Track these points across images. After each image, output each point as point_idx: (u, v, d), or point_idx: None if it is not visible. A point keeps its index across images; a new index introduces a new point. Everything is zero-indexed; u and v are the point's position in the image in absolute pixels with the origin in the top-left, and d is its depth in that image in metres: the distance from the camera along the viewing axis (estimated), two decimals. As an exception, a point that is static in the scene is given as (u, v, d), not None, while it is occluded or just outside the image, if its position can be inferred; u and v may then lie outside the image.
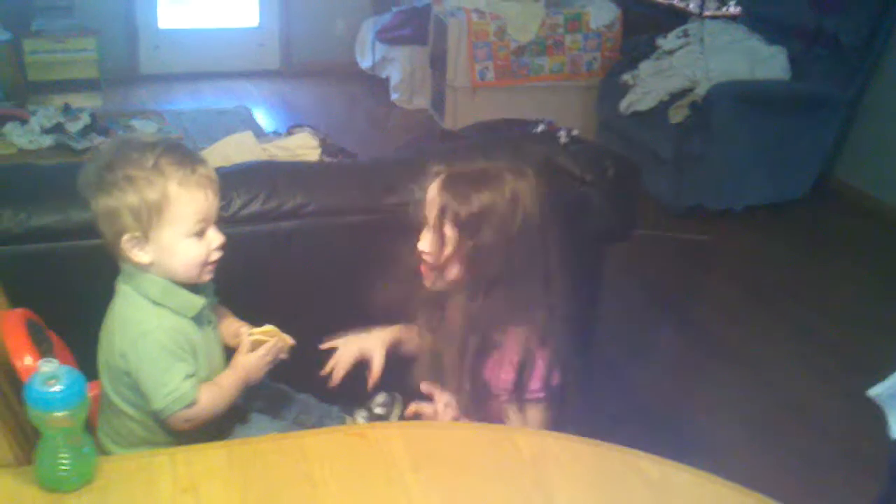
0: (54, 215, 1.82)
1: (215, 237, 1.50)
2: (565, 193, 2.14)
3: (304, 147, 2.64)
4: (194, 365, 1.49)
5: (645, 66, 4.74)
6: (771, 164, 4.36)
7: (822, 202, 4.59)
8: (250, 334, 1.57)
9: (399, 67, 5.98)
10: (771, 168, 4.37)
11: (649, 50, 4.87)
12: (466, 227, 1.53)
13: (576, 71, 5.39)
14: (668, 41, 4.82)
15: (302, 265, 2.00)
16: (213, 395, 1.49)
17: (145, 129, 4.21)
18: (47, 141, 4.01)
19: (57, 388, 1.14)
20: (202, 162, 1.49)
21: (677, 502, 1.21)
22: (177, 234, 1.44)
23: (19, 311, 1.54)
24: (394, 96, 6.06)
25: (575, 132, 3.08)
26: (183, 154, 1.47)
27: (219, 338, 1.63)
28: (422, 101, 5.93)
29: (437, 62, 5.52)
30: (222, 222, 1.88)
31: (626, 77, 4.79)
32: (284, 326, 1.59)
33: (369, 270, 1.99)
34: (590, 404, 2.40)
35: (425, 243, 1.60)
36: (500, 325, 1.58)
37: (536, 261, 1.57)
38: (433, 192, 1.59)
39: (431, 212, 1.58)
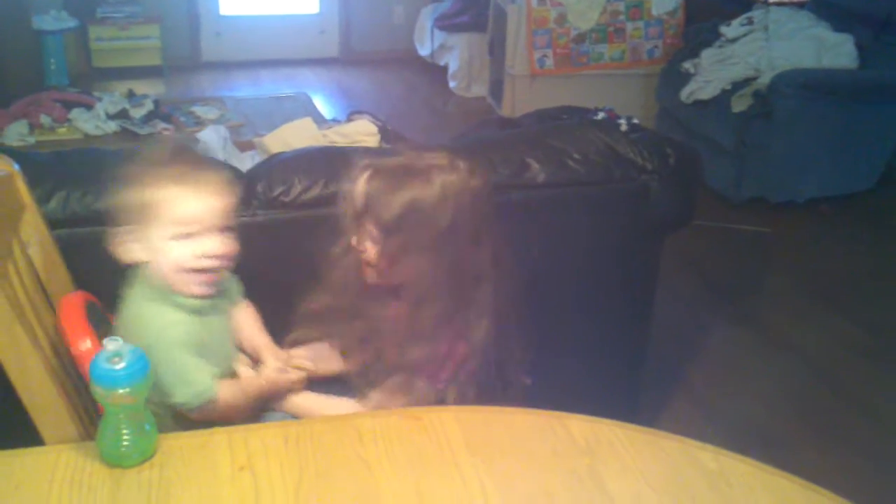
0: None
1: (210, 244, 1.46)
2: (626, 182, 2.13)
3: (363, 133, 2.65)
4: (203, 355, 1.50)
5: (707, 54, 4.66)
6: (836, 154, 4.26)
7: (889, 194, 4.47)
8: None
9: (457, 55, 5.97)
10: (836, 159, 4.27)
11: (712, 37, 4.79)
12: (388, 226, 1.47)
13: (636, 59, 5.32)
14: (731, 29, 4.74)
15: (359, 250, 2.02)
16: (232, 396, 1.50)
17: (207, 115, 4.26)
18: (112, 126, 4.09)
19: (121, 365, 1.17)
20: (211, 168, 1.48)
21: (735, 493, 1.19)
22: (163, 234, 1.44)
23: (79, 294, 1.58)
24: (452, 84, 6.06)
25: (635, 120, 3.06)
26: (189, 157, 1.47)
27: (229, 330, 1.63)
28: (480, 89, 5.91)
29: (496, 50, 5.50)
30: (282, 207, 1.92)
31: (688, 65, 4.72)
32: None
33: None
34: (638, 393, 2.41)
35: (356, 239, 1.54)
36: (427, 327, 1.51)
37: (465, 259, 1.51)
38: (359, 189, 1.52)
39: (354, 209, 1.52)
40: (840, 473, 2.42)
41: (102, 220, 1.84)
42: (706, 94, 4.43)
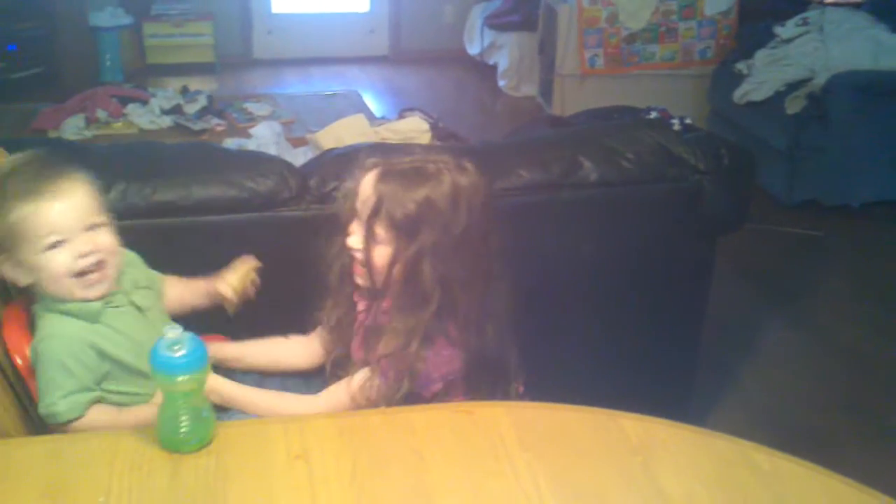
0: (177, 191, 1.89)
1: (82, 244, 1.43)
2: (679, 182, 2.11)
3: (415, 130, 2.66)
4: (90, 376, 1.46)
5: (761, 55, 4.60)
6: (893, 157, 4.18)
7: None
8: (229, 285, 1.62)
9: (507, 54, 5.97)
10: (893, 162, 4.19)
11: (766, 38, 4.72)
12: (403, 229, 1.44)
13: (688, 59, 5.28)
14: (786, 29, 4.67)
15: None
16: (108, 420, 1.46)
17: (259, 112, 4.31)
18: (166, 122, 4.15)
19: (181, 353, 1.19)
20: (55, 175, 1.44)
21: (789, 495, 1.18)
22: (33, 250, 1.42)
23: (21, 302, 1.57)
24: (501, 83, 6.06)
25: (688, 120, 3.04)
26: (31, 171, 1.45)
27: (162, 320, 1.58)
28: (529, 89, 5.90)
29: (546, 49, 5.49)
30: (335, 202, 1.93)
31: (741, 66, 4.67)
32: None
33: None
34: (690, 394, 2.39)
35: (356, 240, 1.50)
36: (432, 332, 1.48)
37: (478, 264, 1.48)
38: (367, 188, 1.48)
39: (364, 208, 1.48)
40: (894, 477, 2.38)
41: (161, 212, 1.89)
42: (759, 95, 4.38)
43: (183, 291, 1.68)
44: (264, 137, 2.80)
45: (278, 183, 1.94)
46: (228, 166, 1.98)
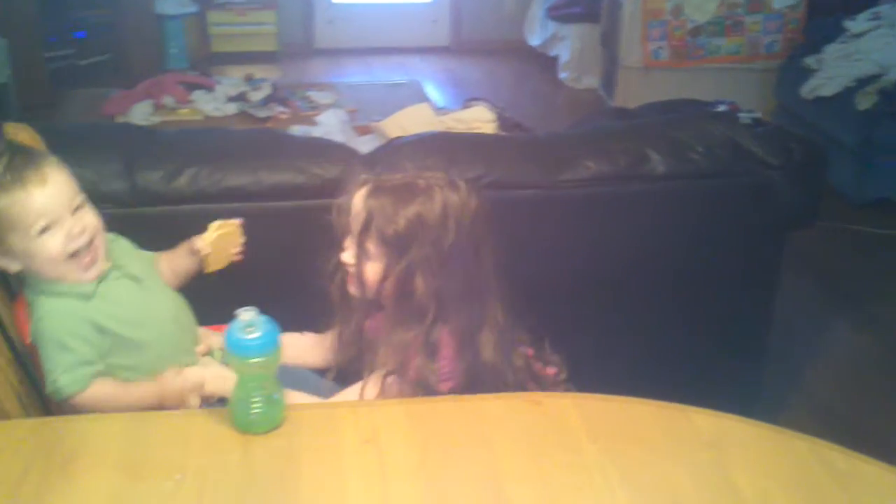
0: (246, 177, 1.91)
1: (71, 226, 1.46)
2: (748, 177, 2.08)
3: (480, 120, 2.66)
4: (90, 350, 1.48)
5: (830, 50, 4.51)
6: (967, 156, 4.06)
7: None
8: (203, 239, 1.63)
9: (569, 45, 5.93)
10: (966, 160, 4.08)
11: (835, 32, 4.63)
12: (393, 245, 1.46)
13: (754, 53, 5.18)
14: (856, 24, 4.57)
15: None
16: (111, 394, 1.48)
17: (321, 100, 4.34)
18: (231, 109, 4.21)
19: (254, 335, 1.21)
20: (32, 162, 1.45)
21: (866, 496, 1.16)
22: (24, 238, 1.44)
23: None
24: (562, 75, 6.02)
25: (757, 115, 2.98)
26: (5, 162, 1.44)
27: (161, 290, 1.63)
28: (591, 81, 5.85)
29: (609, 41, 5.43)
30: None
31: (809, 61, 4.57)
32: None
33: (540, 247, 2.00)
34: (758, 394, 2.35)
35: (349, 255, 1.52)
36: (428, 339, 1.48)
37: (470, 278, 1.49)
38: (358, 203, 1.50)
39: (355, 224, 1.50)
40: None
41: (230, 197, 1.91)
42: (829, 90, 4.29)
43: (171, 258, 1.69)
44: (330, 125, 2.82)
45: (345, 170, 1.95)
46: (296, 153, 2.00)
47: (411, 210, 1.46)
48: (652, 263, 2.08)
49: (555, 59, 6.13)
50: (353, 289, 1.56)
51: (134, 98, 4.24)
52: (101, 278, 1.52)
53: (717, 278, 2.13)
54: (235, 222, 1.68)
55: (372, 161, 2.00)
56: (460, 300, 1.49)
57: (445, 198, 1.47)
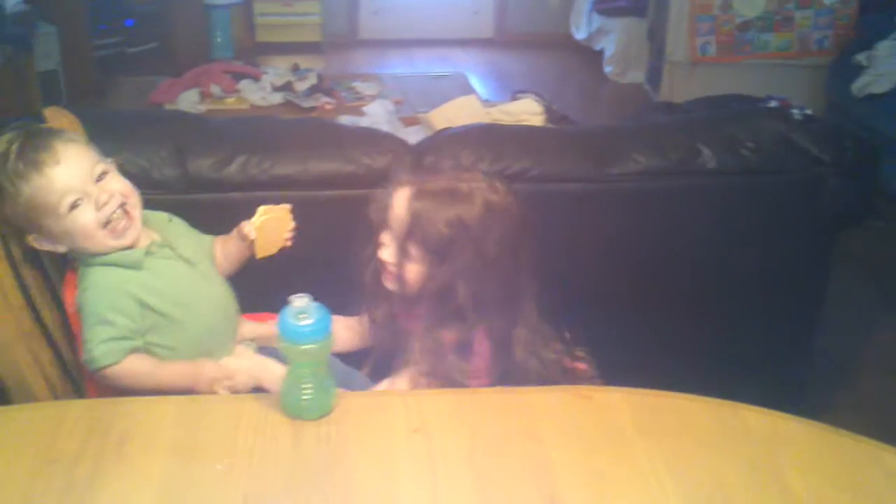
0: (296, 165, 1.92)
1: (99, 193, 1.46)
2: (800, 173, 2.05)
3: (528, 113, 2.65)
4: (130, 325, 1.48)
5: (882, 47, 4.42)
6: None
7: None
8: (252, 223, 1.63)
9: (615, 39, 5.88)
10: None
11: (888, 29, 4.54)
12: (436, 250, 1.48)
13: (804, 49, 5.10)
14: (910, 20, 4.48)
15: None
16: (145, 371, 1.48)
17: (366, 91, 4.36)
18: (277, 98, 4.23)
19: (307, 322, 1.21)
20: (46, 142, 1.45)
21: (921, 499, 1.14)
22: (56, 219, 1.45)
23: None
24: (607, 69, 5.97)
25: (808, 111, 2.94)
26: (20, 148, 1.45)
27: (211, 275, 1.64)
28: (636, 75, 5.80)
29: (656, 35, 5.38)
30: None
31: (861, 57, 4.49)
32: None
33: (587, 240, 1.99)
34: (803, 395, 2.32)
35: (387, 254, 1.54)
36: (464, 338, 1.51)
37: (509, 279, 1.51)
38: (400, 206, 1.52)
39: (397, 226, 1.52)
40: None
41: (280, 185, 1.92)
42: (880, 87, 4.21)
43: (224, 243, 1.70)
44: (377, 115, 2.83)
45: (393, 160, 1.95)
46: (345, 142, 2.00)
47: (454, 214, 1.48)
48: (699, 259, 2.06)
49: (600, 53, 6.08)
50: (390, 285, 1.58)
51: (181, 86, 4.29)
52: (150, 252, 1.53)
53: (765, 275, 2.10)
54: (284, 207, 1.68)
55: (420, 151, 2.00)
56: (498, 302, 1.50)
57: (486, 200, 1.50)
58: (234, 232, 1.68)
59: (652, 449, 1.19)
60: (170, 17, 5.80)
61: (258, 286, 1.69)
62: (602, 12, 5.96)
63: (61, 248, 1.50)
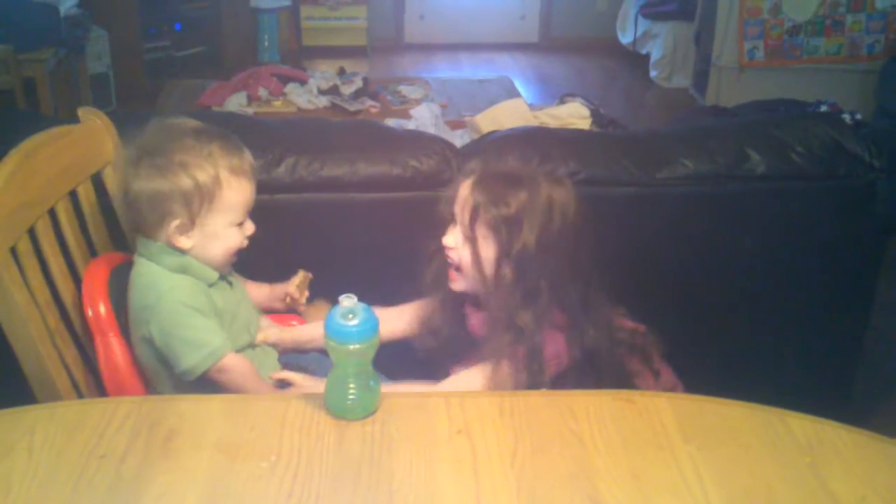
0: (344, 167, 1.94)
1: (250, 226, 1.53)
2: (850, 179, 2.02)
3: (575, 116, 2.65)
4: (219, 322, 1.52)
5: (936, 51, 4.36)
6: None
7: None
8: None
9: (661, 44, 5.85)
10: None
11: (942, 33, 4.47)
12: (503, 228, 1.48)
13: (855, 53, 5.03)
14: (965, 24, 4.40)
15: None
16: (241, 371, 1.52)
17: (412, 95, 4.37)
18: (323, 101, 4.26)
19: (353, 322, 1.22)
20: (246, 151, 1.51)
21: (972, 511, 1.12)
22: (224, 222, 1.48)
23: (105, 257, 1.63)
24: (653, 74, 5.94)
25: (858, 116, 2.90)
26: (231, 142, 1.48)
27: (244, 296, 1.66)
28: (682, 80, 5.77)
29: (703, 39, 5.34)
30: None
31: (913, 62, 4.43)
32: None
33: (634, 244, 1.98)
34: (847, 404, 2.29)
35: (451, 238, 1.55)
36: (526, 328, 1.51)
37: (576, 265, 1.51)
38: (465, 191, 1.53)
39: (463, 211, 1.53)
40: None
41: (328, 187, 1.94)
42: (933, 93, 4.15)
43: (257, 294, 1.74)
44: (423, 118, 2.84)
45: (441, 163, 1.96)
46: (393, 145, 2.01)
47: (520, 195, 1.48)
48: (748, 264, 2.04)
49: (646, 58, 6.05)
50: (456, 285, 1.59)
51: (229, 89, 4.33)
52: (217, 277, 1.57)
53: (813, 281, 2.08)
54: (307, 275, 1.76)
55: (467, 155, 2.01)
56: (569, 283, 1.51)
57: (550, 190, 1.50)
58: (275, 289, 1.75)
59: (695, 454, 1.19)
60: (218, 22, 5.88)
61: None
62: (648, 16, 5.93)
63: (185, 245, 1.50)
